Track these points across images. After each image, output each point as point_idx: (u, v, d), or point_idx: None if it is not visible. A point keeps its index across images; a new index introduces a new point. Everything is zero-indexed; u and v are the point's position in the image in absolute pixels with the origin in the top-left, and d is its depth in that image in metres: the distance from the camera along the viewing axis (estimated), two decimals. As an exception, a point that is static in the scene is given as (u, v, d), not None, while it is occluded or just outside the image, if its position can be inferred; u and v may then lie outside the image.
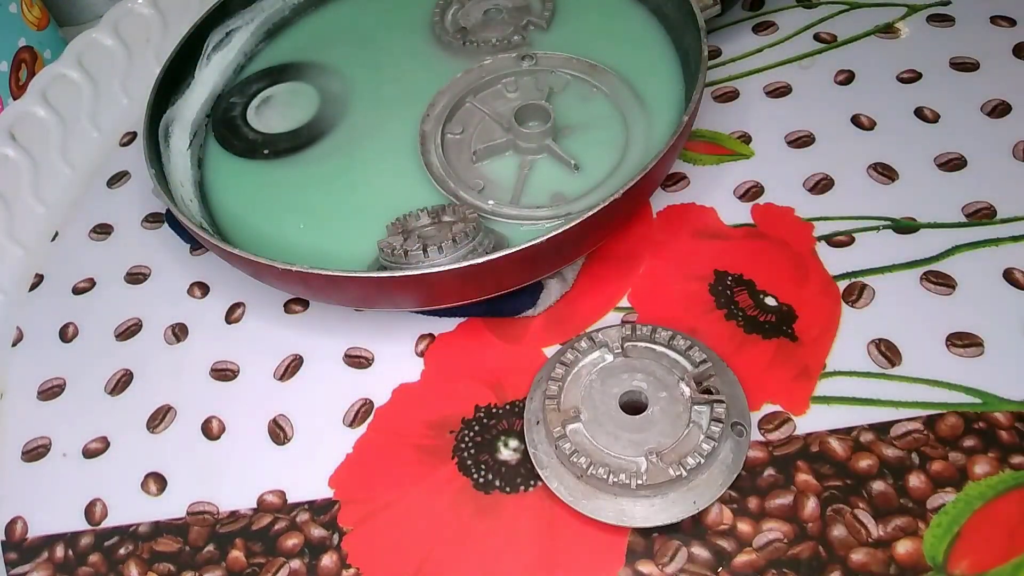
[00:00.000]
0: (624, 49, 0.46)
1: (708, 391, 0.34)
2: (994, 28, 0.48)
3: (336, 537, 0.35)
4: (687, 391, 0.34)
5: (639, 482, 0.32)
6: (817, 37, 0.49)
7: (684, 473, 0.32)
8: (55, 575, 0.36)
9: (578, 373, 0.36)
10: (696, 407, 0.34)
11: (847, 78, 0.47)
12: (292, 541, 0.35)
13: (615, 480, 0.32)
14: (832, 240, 0.40)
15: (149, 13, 0.56)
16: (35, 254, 0.48)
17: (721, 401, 0.33)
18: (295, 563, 0.34)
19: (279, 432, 0.38)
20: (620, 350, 0.36)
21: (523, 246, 0.34)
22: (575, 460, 0.33)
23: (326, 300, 0.40)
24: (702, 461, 0.32)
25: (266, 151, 0.46)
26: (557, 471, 0.34)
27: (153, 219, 0.48)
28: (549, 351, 0.39)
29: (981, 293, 0.37)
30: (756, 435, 0.35)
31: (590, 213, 0.35)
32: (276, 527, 0.35)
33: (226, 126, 0.48)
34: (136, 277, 0.46)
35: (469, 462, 0.36)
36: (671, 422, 0.34)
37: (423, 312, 0.41)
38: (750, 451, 0.34)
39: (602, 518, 0.33)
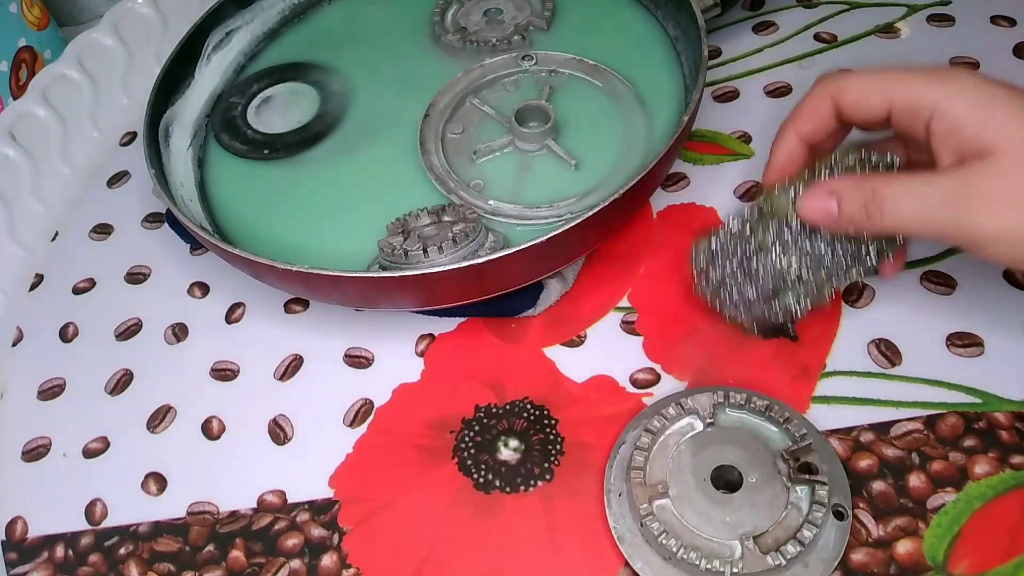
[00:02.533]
0: (624, 49, 0.46)
1: (808, 469, 0.31)
2: (994, 28, 0.48)
3: (336, 537, 0.35)
4: (784, 468, 0.31)
5: (735, 570, 0.29)
6: (817, 37, 0.49)
7: (783, 562, 0.29)
8: (55, 575, 0.36)
9: (665, 443, 0.33)
10: (794, 486, 0.31)
11: (847, 78, 0.47)
12: (292, 541, 0.35)
13: (708, 567, 0.29)
14: (832, 240, 0.40)
15: (149, 13, 0.56)
16: (35, 254, 0.48)
17: (824, 483, 0.31)
18: (295, 563, 0.34)
19: (279, 432, 0.38)
20: (711, 418, 0.33)
21: (523, 246, 0.34)
22: (664, 542, 0.30)
23: (326, 300, 0.40)
24: (802, 549, 0.29)
25: (266, 151, 0.46)
26: (641, 550, 0.31)
27: (153, 219, 0.48)
28: (549, 351, 0.39)
29: (981, 293, 0.37)
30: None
31: (590, 213, 0.35)
32: (276, 527, 0.35)
33: (226, 126, 0.48)
34: (136, 277, 0.46)
35: (469, 462, 0.36)
36: (768, 503, 0.31)
37: (423, 312, 0.41)
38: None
39: None
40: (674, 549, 0.30)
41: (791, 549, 0.29)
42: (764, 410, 0.33)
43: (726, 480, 0.32)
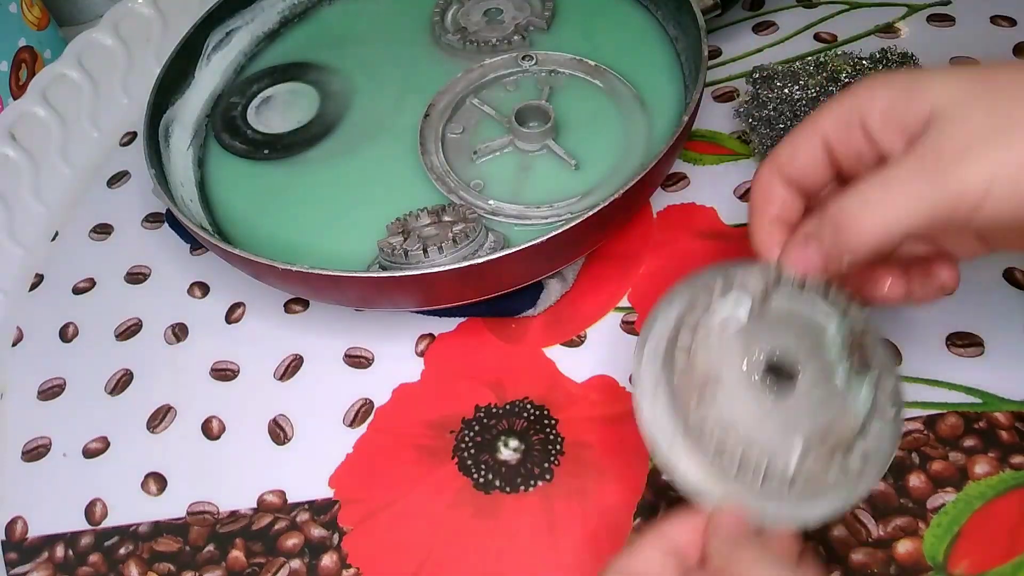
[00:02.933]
0: (624, 49, 0.46)
1: (867, 363, 0.27)
2: (994, 28, 0.48)
3: (336, 537, 0.35)
4: (844, 359, 0.28)
5: (791, 472, 0.26)
6: (817, 37, 0.49)
7: (845, 462, 0.26)
8: (55, 575, 0.36)
9: (710, 328, 0.28)
10: (855, 380, 0.28)
11: (847, 78, 0.47)
12: (292, 541, 0.35)
13: (765, 470, 0.26)
14: (832, 240, 0.40)
15: (149, 13, 0.56)
16: (35, 254, 0.48)
17: (891, 373, 0.27)
18: (295, 563, 0.34)
19: (279, 432, 0.38)
20: (762, 300, 0.28)
21: (523, 246, 0.34)
22: (712, 439, 0.26)
23: (326, 300, 0.40)
24: (867, 446, 0.27)
25: (266, 151, 0.46)
26: (686, 449, 0.27)
27: (153, 219, 0.48)
28: (549, 351, 0.39)
29: (981, 293, 0.37)
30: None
31: (590, 213, 0.35)
32: (276, 527, 0.35)
33: (226, 126, 0.48)
34: (136, 277, 0.46)
35: (469, 462, 0.36)
36: (825, 397, 0.27)
37: (423, 312, 0.41)
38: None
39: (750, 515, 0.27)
40: (727, 445, 0.27)
41: (857, 447, 0.27)
42: (822, 291, 0.28)
43: (781, 371, 0.28)
